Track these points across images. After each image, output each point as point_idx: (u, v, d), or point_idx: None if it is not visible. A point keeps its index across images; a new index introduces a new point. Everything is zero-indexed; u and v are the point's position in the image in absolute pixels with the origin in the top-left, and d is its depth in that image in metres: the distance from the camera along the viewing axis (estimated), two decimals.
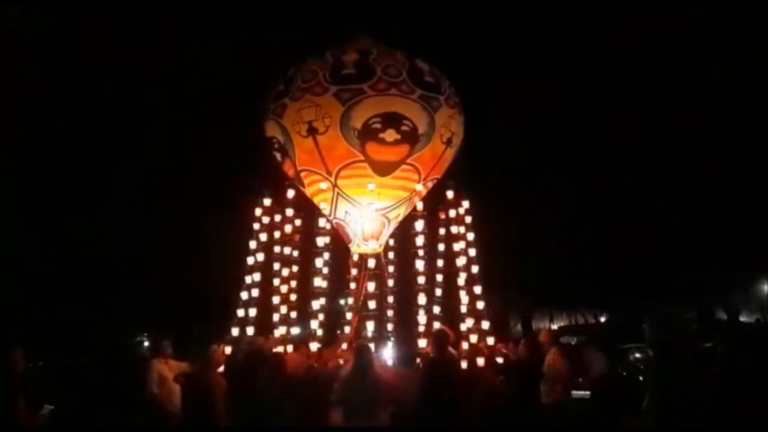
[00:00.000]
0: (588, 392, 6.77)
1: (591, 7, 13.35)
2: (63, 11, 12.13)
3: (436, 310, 6.70)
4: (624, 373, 9.86)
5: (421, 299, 6.41)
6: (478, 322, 6.55)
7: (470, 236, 6.99)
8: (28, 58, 12.14)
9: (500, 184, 14.21)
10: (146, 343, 19.50)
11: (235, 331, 6.61)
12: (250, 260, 6.90)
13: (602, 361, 6.71)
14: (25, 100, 12.44)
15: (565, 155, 15.43)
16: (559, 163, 15.49)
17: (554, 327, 19.85)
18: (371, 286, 6.22)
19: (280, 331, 6.82)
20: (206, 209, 14.54)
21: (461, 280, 6.78)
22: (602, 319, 21.37)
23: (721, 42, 13.52)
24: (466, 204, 7.10)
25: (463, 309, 6.64)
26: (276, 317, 6.94)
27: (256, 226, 6.98)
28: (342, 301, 7.25)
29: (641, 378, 9.24)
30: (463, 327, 6.58)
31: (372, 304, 6.14)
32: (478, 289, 6.70)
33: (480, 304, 6.67)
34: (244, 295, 6.80)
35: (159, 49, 13.52)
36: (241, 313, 6.71)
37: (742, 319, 18.52)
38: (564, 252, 16.22)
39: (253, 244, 6.94)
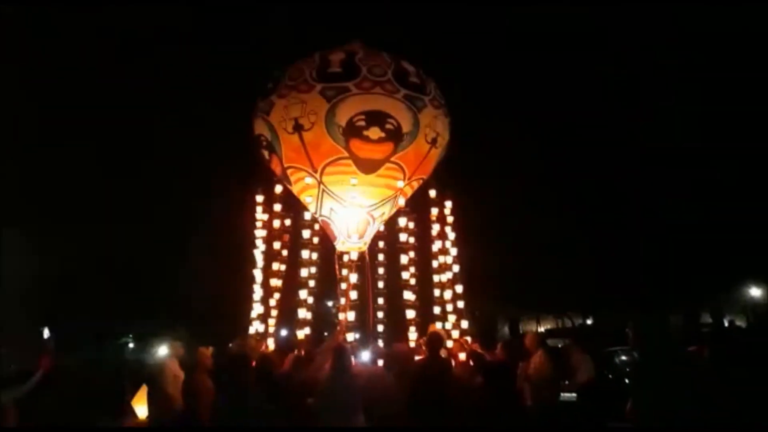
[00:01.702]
0: (574, 395, 6.81)
1: (586, 16, 13.50)
2: (60, 12, 12.08)
3: (421, 307, 6.74)
4: (610, 376, 9.92)
5: (408, 296, 6.45)
6: (458, 320, 6.59)
7: (452, 236, 7.04)
8: (28, 58, 12.07)
9: (489, 189, 14.35)
10: (131, 345, 19.44)
11: (259, 326, 6.78)
12: (259, 258, 6.99)
13: (589, 364, 6.76)
14: (24, 102, 12.37)
15: (556, 161, 15.57)
16: (548, 168, 15.63)
17: (541, 330, 19.95)
18: (353, 278, 6.25)
19: (260, 329, 6.88)
20: (194, 212, 14.54)
21: (443, 278, 6.84)
22: (589, 322, 21.51)
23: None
24: (449, 204, 7.16)
25: (449, 307, 6.70)
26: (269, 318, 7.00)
27: (258, 224, 7.09)
28: (330, 303, 7.28)
29: (627, 381, 9.33)
30: (444, 325, 6.65)
31: (354, 295, 6.16)
32: (459, 288, 6.74)
33: (460, 303, 6.74)
34: (259, 292, 6.93)
35: (153, 50, 13.56)
36: (259, 308, 6.83)
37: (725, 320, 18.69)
38: (551, 255, 16.33)
39: (258, 243, 7.05)
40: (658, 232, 15.64)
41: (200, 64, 13.95)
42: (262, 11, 13.32)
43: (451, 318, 6.63)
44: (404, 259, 6.45)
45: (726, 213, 15.14)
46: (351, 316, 6.22)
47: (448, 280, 6.86)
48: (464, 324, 6.64)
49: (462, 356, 6.06)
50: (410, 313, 6.32)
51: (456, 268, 6.89)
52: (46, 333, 15.75)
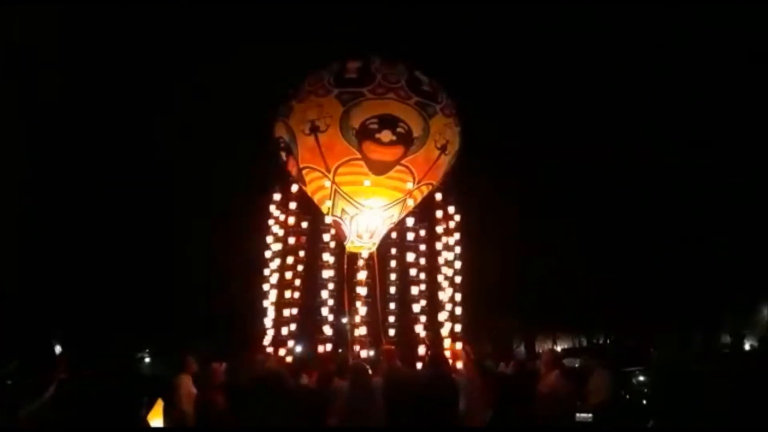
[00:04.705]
0: (590, 415, 6.77)
1: (594, 21, 13.60)
2: (70, 16, 12.24)
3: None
4: (627, 397, 9.77)
5: (414, 292, 6.64)
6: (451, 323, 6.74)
7: (453, 239, 7.24)
8: (29, 61, 12.02)
9: (504, 206, 14.43)
10: (147, 359, 19.46)
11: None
12: (271, 259, 7.09)
13: (607, 384, 6.71)
14: (23, 106, 12.29)
15: (570, 177, 15.57)
16: (564, 184, 15.64)
17: (558, 348, 19.67)
18: (363, 275, 6.46)
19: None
20: (207, 223, 14.63)
21: (443, 282, 7.01)
22: (606, 341, 21.15)
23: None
24: (452, 209, 7.37)
25: (448, 307, 6.85)
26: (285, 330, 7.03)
27: (271, 222, 7.26)
28: (344, 320, 7.37)
29: (645, 402, 9.20)
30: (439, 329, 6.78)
31: (363, 291, 6.39)
32: (457, 295, 6.92)
33: (458, 310, 6.89)
34: (272, 294, 7.01)
35: (173, 55, 13.82)
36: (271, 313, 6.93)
37: (747, 342, 18.18)
38: (568, 273, 16.21)
39: (269, 239, 7.19)
40: (678, 251, 15.42)
41: (220, 74, 14.06)
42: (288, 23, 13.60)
43: (447, 323, 6.78)
44: (410, 257, 6.64)
45: (748, 232, 14.89)
46: (362, 311, 6.41)
47: (449, 284, 6.99)
48: (458, 328, 6.75)
49: (459, 365, 6.15)
50: (416, 307, 6.47)
51: (450, 272, 7.04)
52: (57, 348, 15.85)
